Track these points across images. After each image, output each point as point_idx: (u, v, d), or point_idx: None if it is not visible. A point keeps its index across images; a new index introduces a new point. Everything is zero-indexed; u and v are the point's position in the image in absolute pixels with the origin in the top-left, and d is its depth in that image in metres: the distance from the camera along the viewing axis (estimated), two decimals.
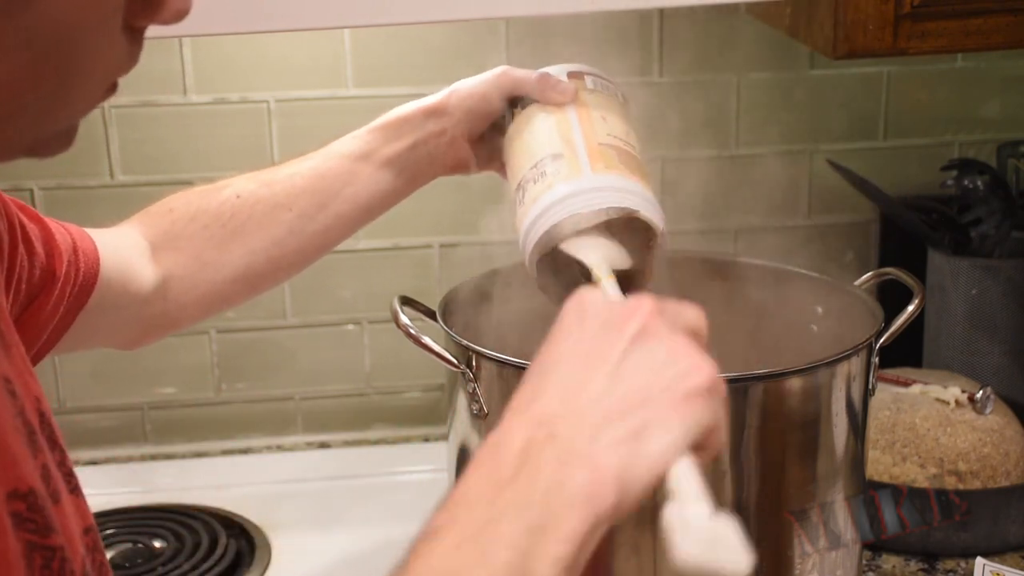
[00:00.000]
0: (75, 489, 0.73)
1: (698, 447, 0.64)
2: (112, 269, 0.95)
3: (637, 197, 0.93)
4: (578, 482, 0.59)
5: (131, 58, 0.61)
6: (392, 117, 1.06)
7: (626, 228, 0.93)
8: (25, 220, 0.85)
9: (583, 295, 0.68)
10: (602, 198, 0.92)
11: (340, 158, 1.05)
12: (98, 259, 0.94)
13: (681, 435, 0.62)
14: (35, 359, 0.89)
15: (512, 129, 1.01)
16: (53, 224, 0.90)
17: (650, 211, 0.93)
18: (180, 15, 0.61)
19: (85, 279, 0.92)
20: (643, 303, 0.66)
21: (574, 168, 0.94)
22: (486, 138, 1.06)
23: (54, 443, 0.71)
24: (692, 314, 0.68)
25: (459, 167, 1.07)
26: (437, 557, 0.58)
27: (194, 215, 1.04)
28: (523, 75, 1.01)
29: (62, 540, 0.64)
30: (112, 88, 0.62)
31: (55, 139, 0.62)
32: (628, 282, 0.94)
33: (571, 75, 1.02)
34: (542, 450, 0.60)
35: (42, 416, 0.71)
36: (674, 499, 0.61)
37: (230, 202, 1.04)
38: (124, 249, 0.99)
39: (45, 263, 0.86)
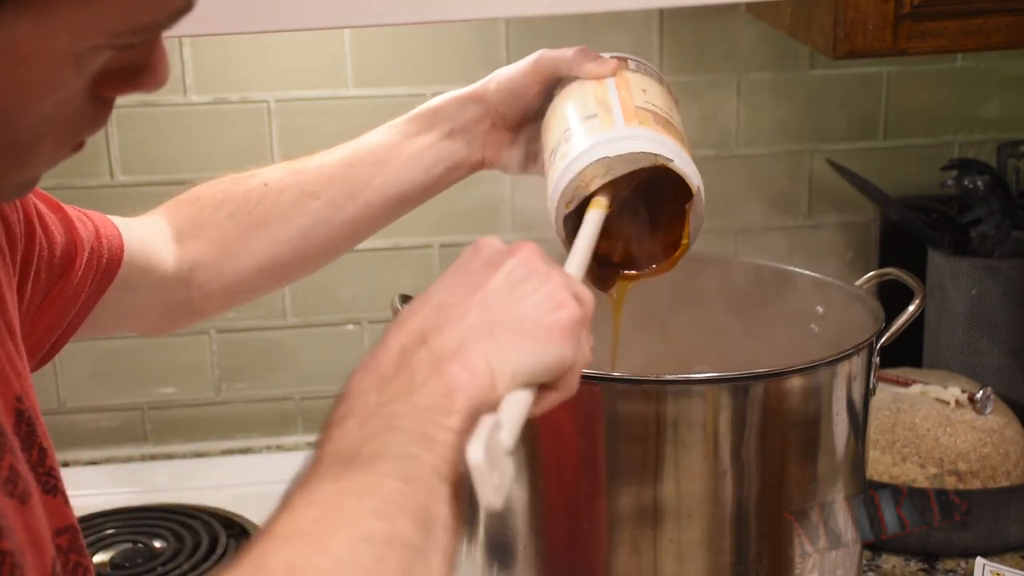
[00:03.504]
0: (53, 489, 0.72)
1: (550, 385, 0.68)
2: (135, 255, 0.95)
3: (670, 150, 0.89)
4: (453, 373, 0.63)
5: (98, 121, 0.61)
6: (428, 106, 1.03)
7: (661, 190, 0.90)
8: (43, 208, 0.85)
9: (481, 239, 0.72)
10: (631, 144, 0.88)
11: (372, 147, 1.03)
12: (122, 245, 0.93)
13: (531, 362, 0.66)
14: (58, 343, 0.89)
15: (549, 109, 0.98)
16: (73, 211, 0.89)
17: (684, 164, 0.89)
18: (157, 88, 0.61)
19: (108, 264, 0.91)
20: (528, 246, 0.71)
21: (606, 122, 0.90)
22: (526, 135, 1.03)
23: (32, 442, 0.71)
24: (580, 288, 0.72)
25: (496, 159, 1.04)
26: (346, 438, 0.62)
27: (221, 203, 1.02)
28: (560, 53, 0.99)
29: (15, 544, 0.63)
30: (79, 146, 0.63)
31: (14, 190, 0.63)
32: (668, 249, 0.93)
33: (613, 59, 0.99)
34: (415, 352, 0.65)
35: (19, 415, 0.70)
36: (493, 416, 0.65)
37: (257, 190, 1.02)
38: (148, 236, 0.98)
39: (65, 248, 0.86)
